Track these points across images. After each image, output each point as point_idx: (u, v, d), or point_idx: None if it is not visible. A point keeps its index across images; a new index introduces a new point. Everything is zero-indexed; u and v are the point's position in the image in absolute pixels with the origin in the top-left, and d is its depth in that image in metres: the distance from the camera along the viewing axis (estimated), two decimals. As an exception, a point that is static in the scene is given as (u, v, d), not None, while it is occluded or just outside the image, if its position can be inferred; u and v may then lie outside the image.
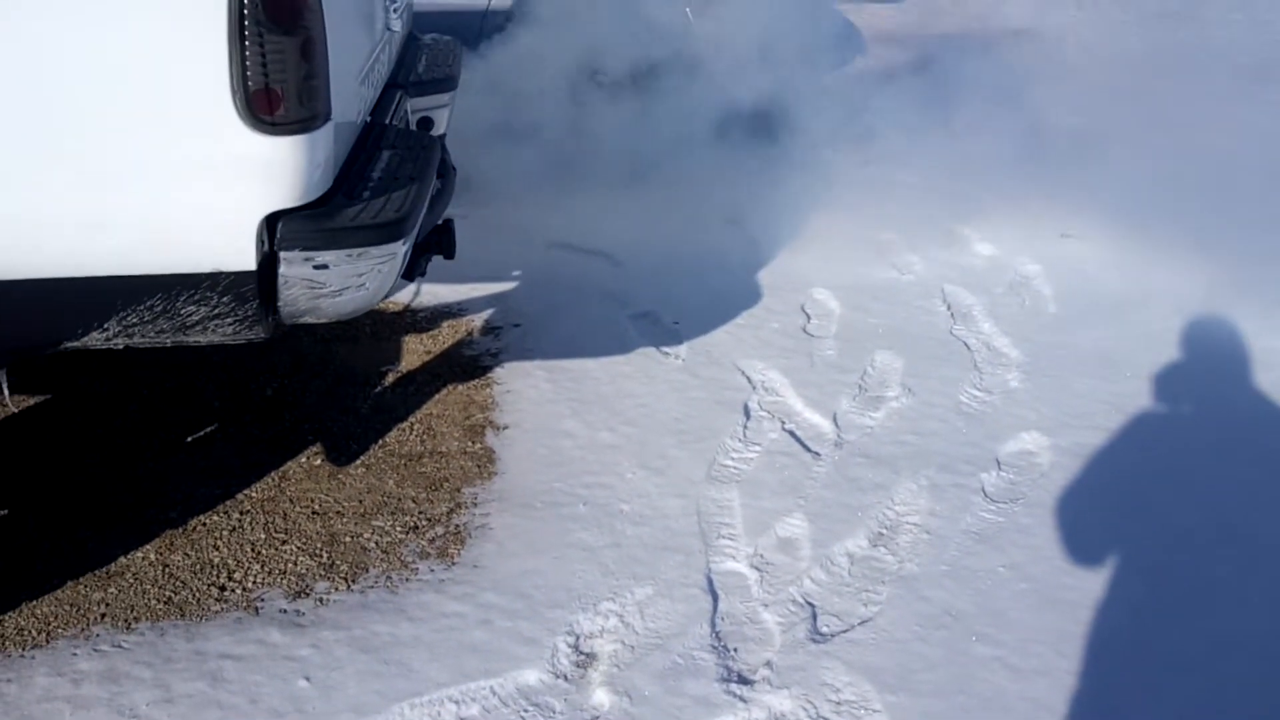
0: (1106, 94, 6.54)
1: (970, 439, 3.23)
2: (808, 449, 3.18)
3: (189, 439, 3.15)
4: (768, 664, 2.41)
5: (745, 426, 3.28)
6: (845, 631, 2.51)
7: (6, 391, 2.37)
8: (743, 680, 2.37)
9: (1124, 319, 3.93)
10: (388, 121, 2.82)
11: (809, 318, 3.94)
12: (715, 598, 2.61)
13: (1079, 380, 3.53)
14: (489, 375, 3.54)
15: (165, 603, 2.55)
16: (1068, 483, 3.03)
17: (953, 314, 3.98)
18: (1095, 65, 7.09)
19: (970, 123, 6.05)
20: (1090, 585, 2.65)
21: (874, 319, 3.93)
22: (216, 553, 2.71)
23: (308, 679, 2.34)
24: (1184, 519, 2.89)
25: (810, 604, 2.59)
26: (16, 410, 3.23)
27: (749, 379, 3.53)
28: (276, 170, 2.11)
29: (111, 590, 2.58)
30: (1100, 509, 2.93)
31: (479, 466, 3.08)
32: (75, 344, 2.20)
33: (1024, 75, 6.68)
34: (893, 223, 4.73)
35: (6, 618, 2.49)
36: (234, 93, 2.02)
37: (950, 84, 6.64)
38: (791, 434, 3.25)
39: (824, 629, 2.52)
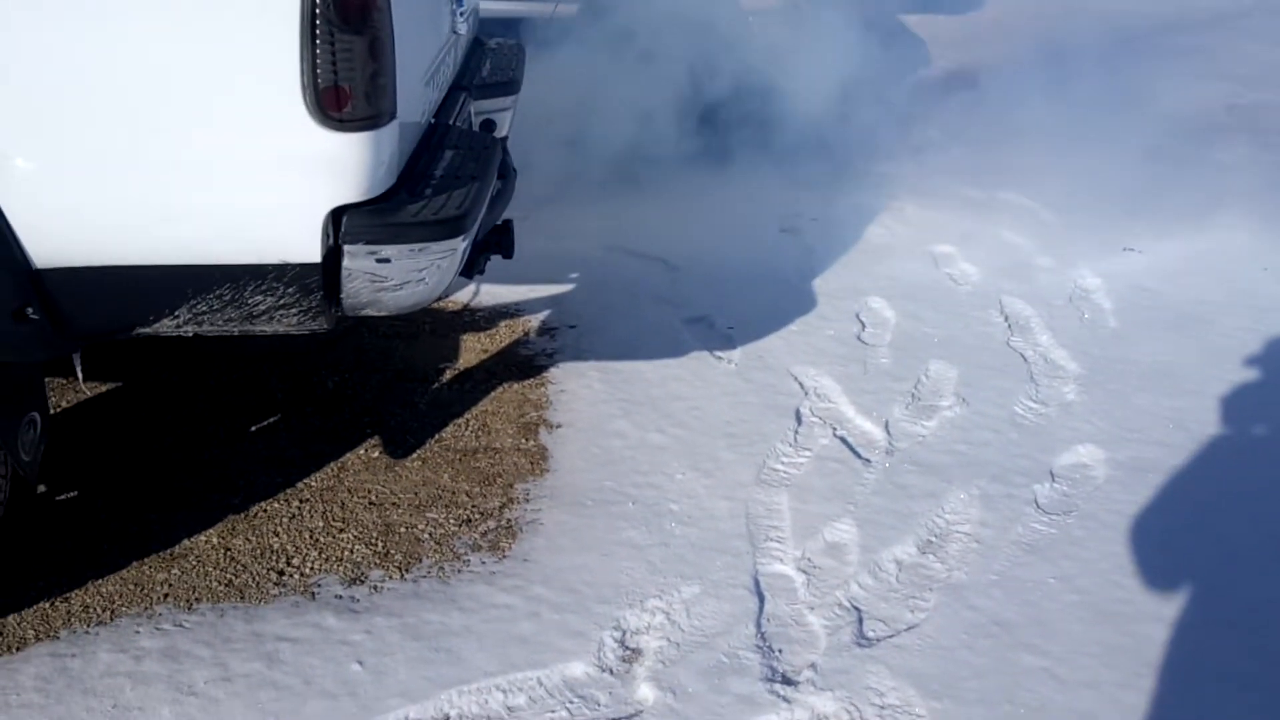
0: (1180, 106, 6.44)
1: (1024, 450, 3.20)
2: (858, 455, 3.18)
3: (253, 428, 3.24)
4: (812, 666, 2.42)
5: (796, 432, 3.29)
6: (891, 637, 2.51)
7: (81, 375, 2.47)
8: (787, 681, 2.38)
9: (1186, 334, 3.87)
10: (451, 122, 2.88)
11: (864, 326, 3.94)
12: (761, 599, 2.62)
13: (1138, 395, 3.49)
14: (544, 375, 3.59)
15: (226, 585, 2.62)
16: (1123, 497, 2.99)
17: (1010, 325, 3.95)
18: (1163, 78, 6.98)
19: (1033, 135, 6.01)
20: (1142, 600, 2.62)
21: (929, 328, 3.91)
22: (276, 539, 2.78)
23: (360, 663, 2.40)
24: (1242, 537, 2.84)
25: (857, 608, 2.60)
26: (90, 394, 3.34)
27: (801, 385, 3.54)
28: (342, 166, 2.17)
29: (174, 571, 2.66)
30: (1155, 524, 2.89)
31: (532, 463, 3.12)
32: (147, 330, 2.29)
33: (1088, 88, 6.61)
34: (950, 234, 4.71)
35: (73, 595, 2.58)
36: (304, 90, 2.09)
37: (1013, 96, 6.59)
38: (843, 440, 3.25)
39: (870, 634, 2.52)
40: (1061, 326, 3.93)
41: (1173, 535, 2.85)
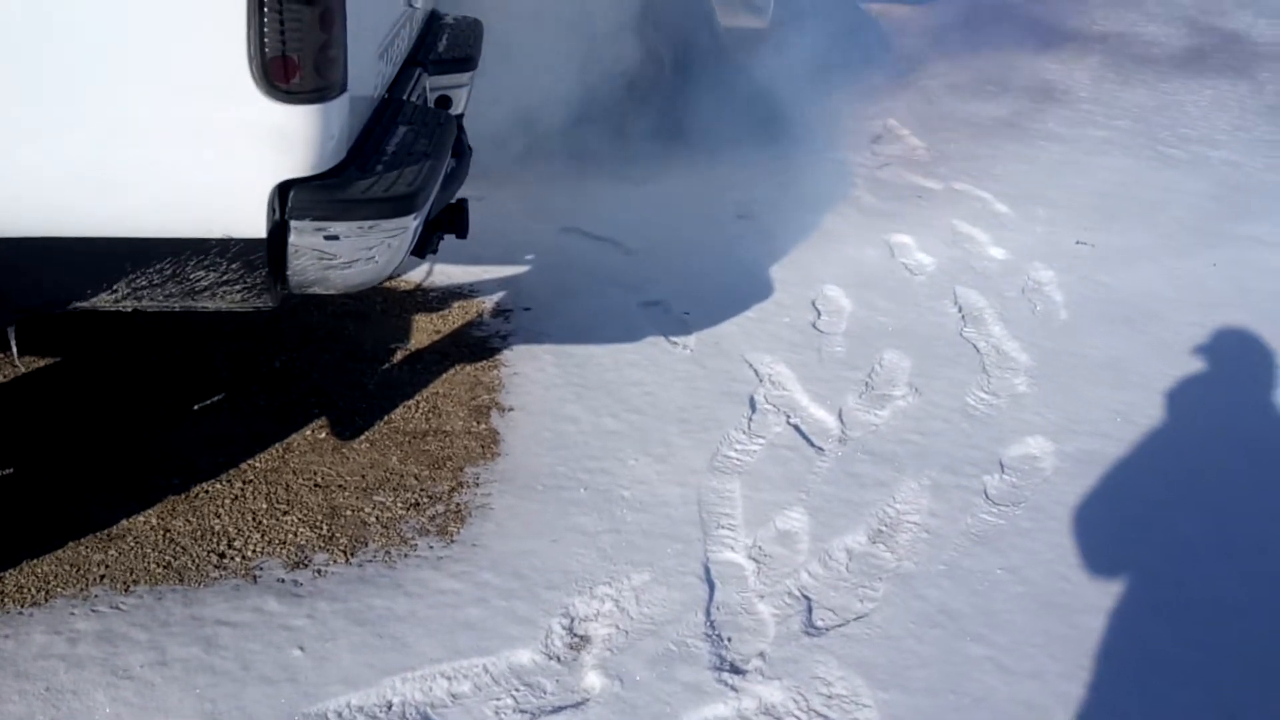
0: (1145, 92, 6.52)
1: (975, 441, 3.22)
2: (811, 444, 3.17)
3: (195, 407, 3.17)
4: (761, 655, 2.41)
5: (750, 419, 3.28)
6: (840, 626, 2.51)
7: (15, 350, 2.39)
8: (735, 670, 2.37)
9: (1135, 328, 3.91)
10: (405, 98, 2.82)
11: (819, 314, 3.93)
12: (712, 587, 2.61)
13: (1088, 387, 3.52)
14: (497, 357, 3.54)
15: (164, 567, 2.56)
16: (1071, 489, 3.01)
17: (963, 316, 3.96)
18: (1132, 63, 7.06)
19: (989, 126, 6.05)
20: (1088, 591, 2.64)
21: (884, 318, 3.92)
22: (218, 520, 2.72)
23: (301, 649, 2.35)
24: (1188, 529, 2.87)
25: (806, 597, 2.59)
26: (25, 370, 3.25)
27: (756, 372, 3.53)
28: (290, 139, 2.11)
29: (111, 552, 2.59)
30: (1103, 516, 2.92)
31: (482, 447, 3.08)
32: (84, 304, 2.21)
33: (1052, 74, 6.67)
34: (907, 223, 4.72)
35: (6, 575, 2.50)
36: (250, 59, 2.02)
37: (972, 87, 6.63)
38: (796, 428, 3.24)
39: (819, 623, 2.51)
40: (1014, 318, 3.96)
41: (1118, 528, 2.88)
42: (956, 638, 2.48)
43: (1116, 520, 2.91)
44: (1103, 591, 2.64)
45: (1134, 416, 3.37)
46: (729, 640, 2.45)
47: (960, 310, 4.00)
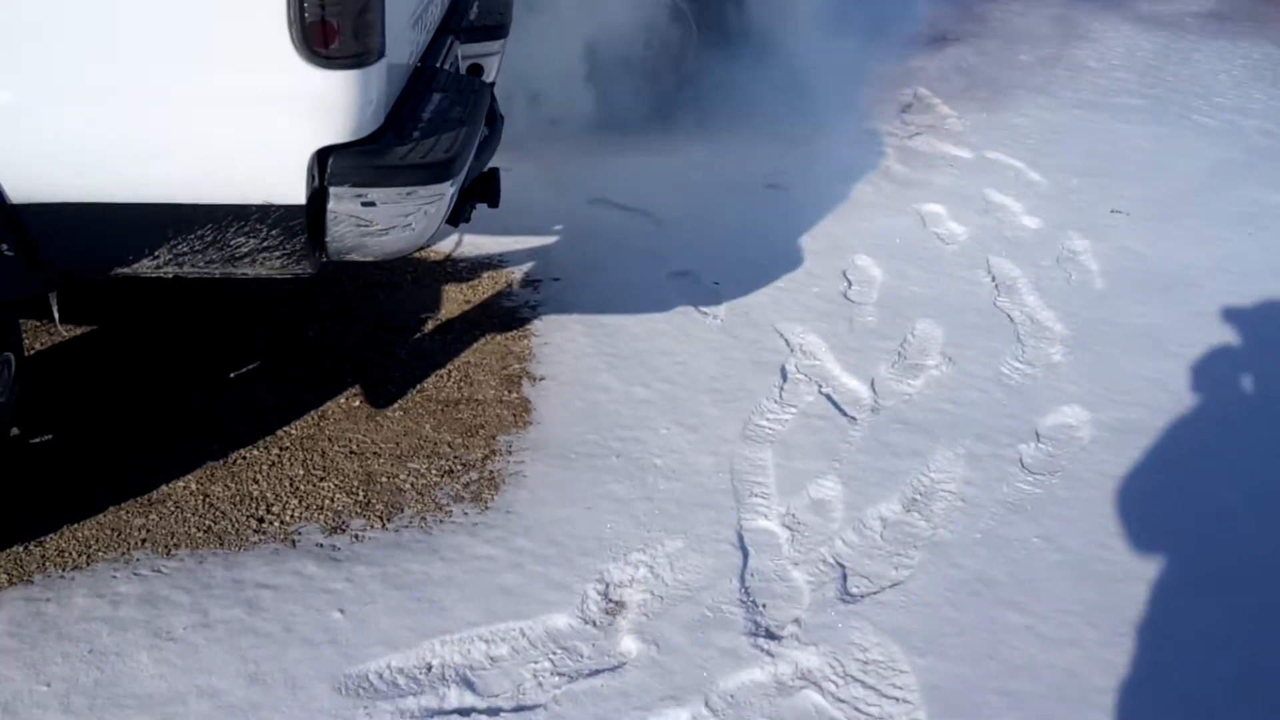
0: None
1: (1010, 410, 3.20)
2: (844, 413, 3.16)
3: (232, 375, 3.19)
4: (796, 621, 2.42)
5: (781, 388, 3.27)
6: (875, 593, 2.51)
7: (57, 315, 2.41)
8: (770, 635, 2.38)
9: (1172, 297, 3.87)
10: (439, 66, 2.81)
11: (850, 284, 3.91)
12: (745, 554, 2.61)
13: (1124, 356, 3.49)
14: (527, 327, 3.55)
15: (205, 531, 2.59)
16: (1107, 457, 2.99)
17: (997, 285, 3.93)
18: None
19: (1022, 95, 5.98)
20: (1126, 559, 2.62)
21: (916, 287, 3.89)
22: (255, 486, 2.74)
23: (341, 611, 2.38)
24: (1226, 497, 2.85)
25: (841, 565, 2.59)
26: (66, 336, 3.28)
27: (787, 341, 3.52)
28: (329, 105, 2.12)
29: (152, 517, 2.62)
30: (1140, 485, 2.90)
31: (514, 415, 3.09)
32: (126, 270, 2.23)
33: (1085, 42, 6.58)
34: (938, 193, 4.68)
35: (48, 539, 2.53)
36: (290, 24, 2.02)
37: (1004, 55, 6.55)
38: (828, 398, 3.23)
39: (854, 590, 2.51)
40: (1048, 287, 3.92)
41: (1156, 496, 2.86)
42: (994, 605, 2.47)
43: (1154, 489, 2.89)
44: (1141, 560, 2.62)
45: (1171, 385, 3.34)
46: (764, 606, 2.46)
47: (994, 280, 3.97)
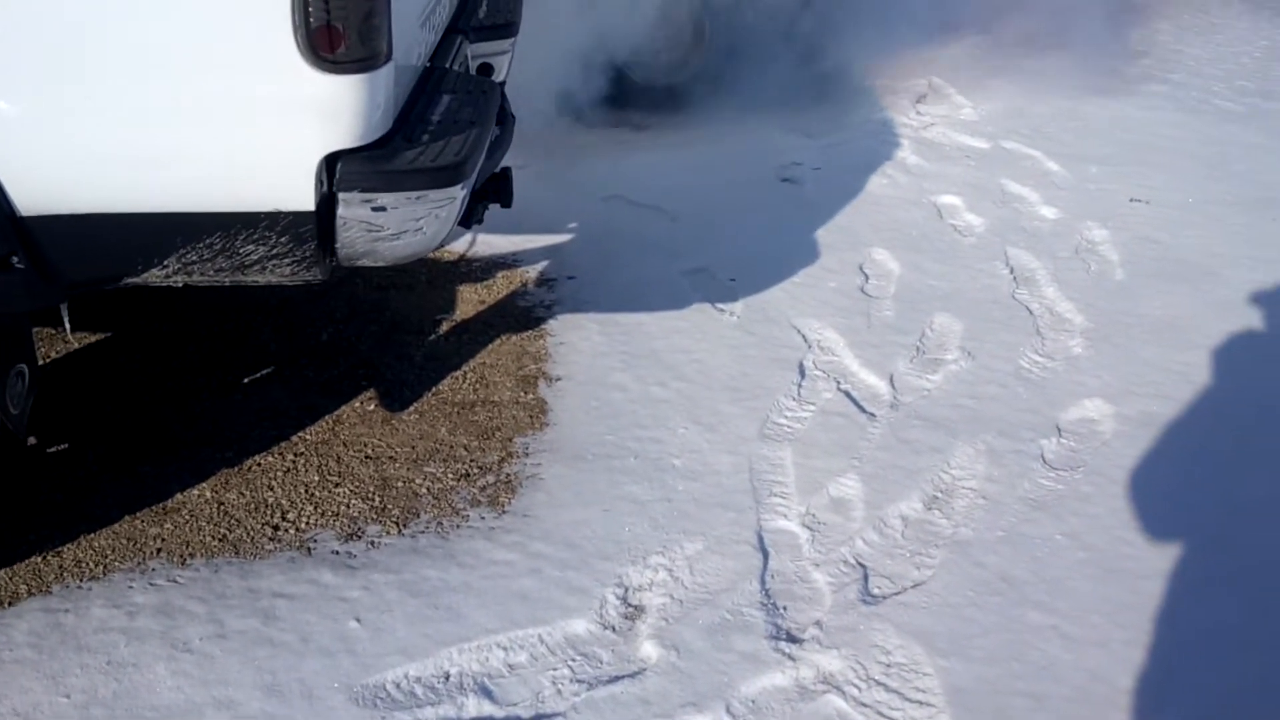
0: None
1: (1030, 405, 3.16)
2: (863, 410, 3.13)
3: (245, 381, 3.18)
4: (817, 623, 2.39)
5: (800, 385, 3.24)
6: (897, 594, 2.48)
7: (69, 325, 2.40)
8: (791, 639, 2.35)
9: (1194, 286, 3.81)
10: (448, 66, 2.79)
11: (867, 278, 3.87)
12: (766, 555, 2.58)
13: (1146, 348, 3.44)
14: (542, 327, 3.52)
15: (220, 540, 2.58)
16: (1131, 452, 2.95)
17: (1015, 278, 3.88)
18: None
19: (1038, 83, 5.91)
20: (1151, 556, 2.58)
21: (934, 281, 3.85)
22: (271, 493, 2.73)
23: (358, 620, 2.36)
24: (1253, 492, 2.80)
25: (862, 565, 2.56)
26: (78, 345, 3.27)
27: (804, 338, 3.48)
28: (336, 110, 2.09)
29: (168, 526, 2.61)
30: (1164, 479, 2.86)
31: (531, 417, 3.07)
32: (136, 280, 2.21)
33: (1101, 27, 6.49)
34: (954, 184, 4.63)
35: (65, 549, 2.53)
36: (295, 29, 2.00)
37: (1019, 43, 6.47)
38: (847, 394, 3.20)
39: (875, 591, 2.48)
40: (1067, 279, 3.87)
41: (1181, 492, 2.82)
42: (1017, 605, 2.44)
43: (1179, 484, 2.85)
44: (1166, 557, 2.58)
45: (1194, 377, 3.29)
46: (785, 609, 2.43)
47: (1012, 272, 3.92)
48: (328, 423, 3.00)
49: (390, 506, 2.71)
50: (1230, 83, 5.98)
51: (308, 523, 2.64)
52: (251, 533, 2.60)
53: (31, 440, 2.82)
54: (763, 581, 2.51)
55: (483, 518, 2.68)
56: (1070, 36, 6.65)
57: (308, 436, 2.94)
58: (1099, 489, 2.81)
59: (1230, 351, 3.42)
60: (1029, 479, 2.85)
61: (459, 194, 2.30)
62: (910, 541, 2.63)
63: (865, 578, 2.52)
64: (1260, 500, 2.78)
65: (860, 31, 6.00)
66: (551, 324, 3.54)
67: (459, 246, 3.97)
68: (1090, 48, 6.49)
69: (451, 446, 2.93)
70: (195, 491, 2.72)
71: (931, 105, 5.61)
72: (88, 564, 2.50)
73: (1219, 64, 6.28)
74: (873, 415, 3.11)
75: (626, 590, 2.47)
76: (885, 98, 5.66)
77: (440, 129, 2.36)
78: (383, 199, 2.17)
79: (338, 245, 2.23)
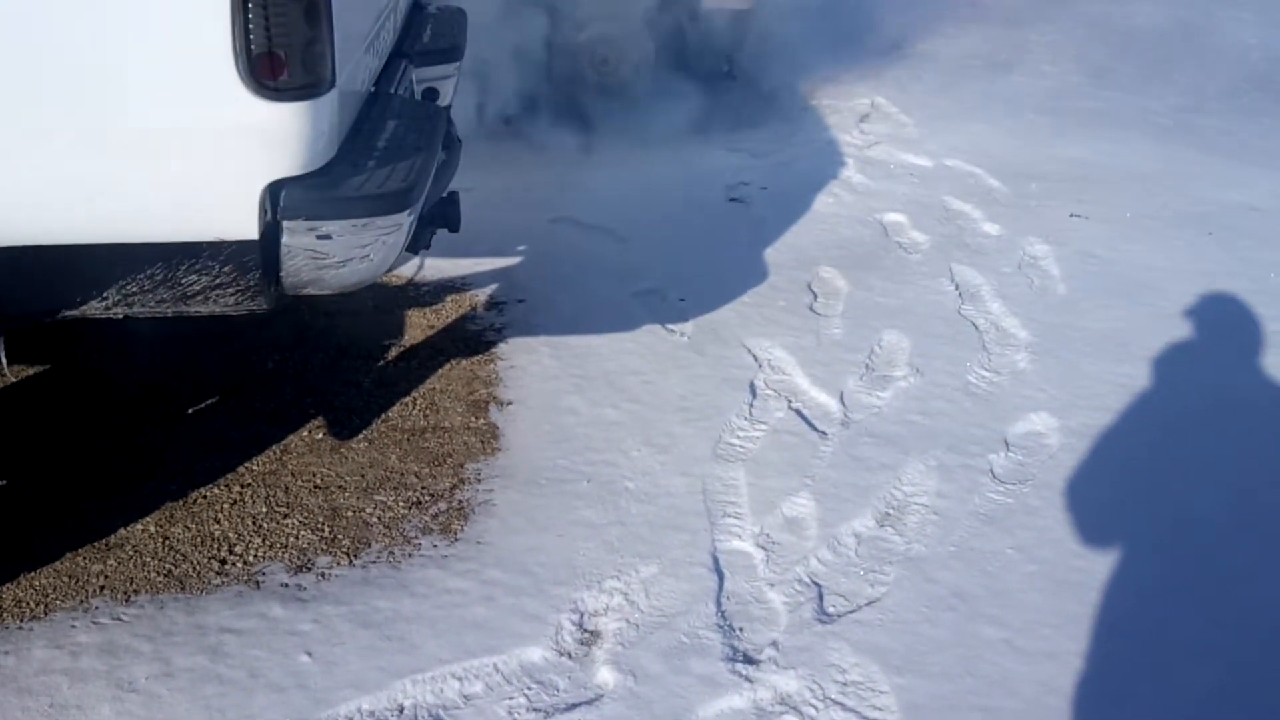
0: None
1: (978, 420, 3.19)
2: (814, 428, 3.15)
3: (189, 411, 3.12)
4: (774, 644, 2.39)
5: (751, 405, 3.25)
6: (852, 612, 2.48)
7: (4, 360, 2.34)
8: (748, 660, 2.35)
9: (1134, 300, 3.89)
10: (393, 91, 2.77)
11: (815, 296, 3.90)
12: (721, 577, 2.58)
13: (1088, 361, 3.50)
14: (492, 350, 3.50)
15: (165, 575, 2.52)
16: (1077, 464, 2.99)
17: (961, 294, 3.93)
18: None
19: (980, 101, 6.02)
20: (1100, 568, 2.62)
21: (881, 298, 3.89)
22: (217, 526, 2.68)
23: (309, 654, 2.32)
24: (1196, 502, 2.85)
25: (817, 584, 2.57)
26: (15, 380, 3.19)
27: (755, 357, 3.50)
28: (279, 137, 2.06)
29: (111, 562, 2.55)
30: (1110, 491, 2.90)
31: (482, 442, 3.04)
32: (74, 312, 2.16)
33: (1039, 48, 6.62)
34: (899, 202, 4.69)
35: (4, 589, 2.46)
36: (236, 56, 1.97)
37: (960, 60, 6.59)
38: (798, 413, 3.21)
39: (830, 609, 2.49)
40: (1011, 294, 3.93)
41: (1128, 502, 2.86)
42: (970, 620, 2.46)
43: (1126, 495, 2.89)
44: (1116, 568, 2.62)
45: (1137, 389, 3.35)
46: (741, 630, 2.43)
47: (957, 288, 3.98)
48: (275, 452, 2.96)
49: (340, 537, 2.67)
50: (1165, 99, 6.13)
51: (256, 555, 2.60)
52: (198, 567, 2.55)
53: (-33, 477, 2.75)
54: (718, 603, 2.50)
55: (435, 546, 2.65)
56: (1008, 58, 6.78)
57: (255, 467, 2.89)
58: (1047, 502, 2.85)
59: (1169, 363, 3.49)
60: (979, 494, 2.88)
61: (406, 220, 2.28)
62: (864, 559, 2.65)
63: (820, 596, 2.53)
64: (1203, 510, 2.83)
65: (803, 52, 6.09)
66: (502, 347, 3.52)
67: (407, 271, 3.94)
68: (1026, 69, 6.63)
69: (402, 474, 2.90)
70: (139, 526, 2.66)
71: (875, 124, 5.69)
72: (28, 603, 2.43)
73: (1153, 82, 6.44)
74: (824, 433, 3.12)
75: (582, 616, 2.45)
76: (830, 117, 5.73)
77: (386, 155, 2.34)
78: (328, 227, 2.14)
79: (282, 274, 2.19)
